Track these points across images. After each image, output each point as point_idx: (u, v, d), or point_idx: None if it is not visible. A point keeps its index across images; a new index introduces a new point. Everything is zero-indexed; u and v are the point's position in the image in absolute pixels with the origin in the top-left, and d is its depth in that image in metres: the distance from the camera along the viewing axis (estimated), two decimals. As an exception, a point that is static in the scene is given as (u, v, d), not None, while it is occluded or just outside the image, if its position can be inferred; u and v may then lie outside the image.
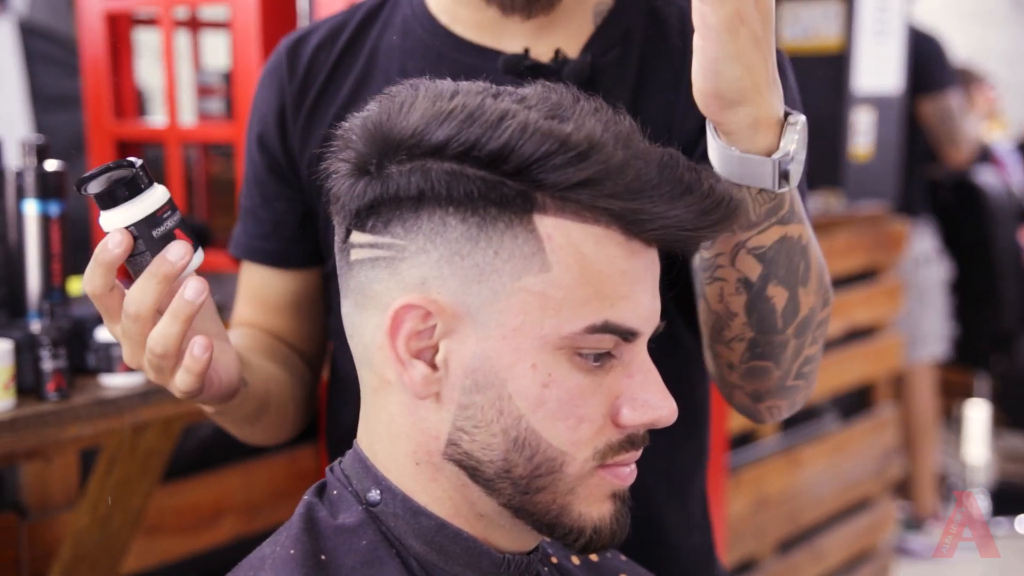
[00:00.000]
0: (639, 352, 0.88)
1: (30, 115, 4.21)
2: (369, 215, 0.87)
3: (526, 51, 1.13)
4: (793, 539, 3.35)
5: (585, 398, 0.86)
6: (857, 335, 3.60)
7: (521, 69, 1.12)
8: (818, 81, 3.61)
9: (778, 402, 1.11)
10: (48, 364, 1.53)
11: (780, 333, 1.03)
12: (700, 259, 1.04)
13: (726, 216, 0.86)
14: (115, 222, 0.93)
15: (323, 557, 0.86)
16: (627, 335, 0.86)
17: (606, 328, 0.85)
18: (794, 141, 0.96)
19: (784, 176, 0.96)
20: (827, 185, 3.54)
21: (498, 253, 0.83)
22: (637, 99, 1.14)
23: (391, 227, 0.85)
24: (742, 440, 3.20)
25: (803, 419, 3.45)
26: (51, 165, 1.67)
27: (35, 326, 1.57)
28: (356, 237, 0.88)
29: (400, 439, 0.88)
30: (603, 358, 0.86)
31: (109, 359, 1.63)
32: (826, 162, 3.56)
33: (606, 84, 1.13)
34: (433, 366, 0.85)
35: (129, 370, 1.63)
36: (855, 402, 3.72)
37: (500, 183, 0.82)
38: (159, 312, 0.93)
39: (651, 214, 0.84)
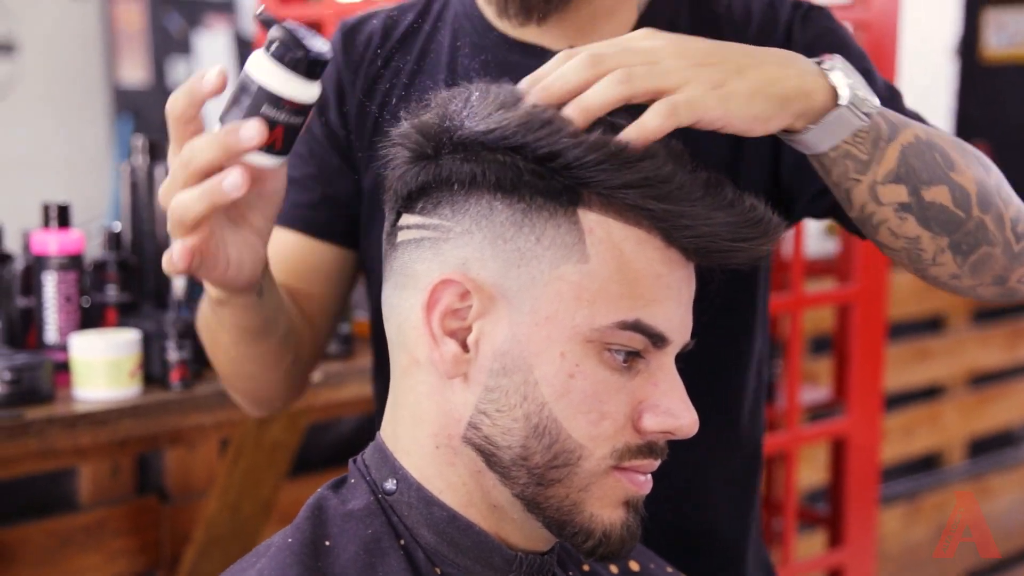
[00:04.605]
0: (666, 361, 0.89)
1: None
2: (419, 197, 0.89)
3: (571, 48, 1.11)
4: (980, 571, 3.19)
5: (609, 395, 0.86)
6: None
7: None
8: (1024, 91, 3.44)
9: (1021, 269, 1.07)
10: (173, 355, 1.60)
11: (968, 220, 1.00)
12: (857, 221, 1.02)
13: (765, 232, 0.87)
14: (254, 68, 0.88)
15: (327, 543, 0.88)
16: (657, 339, 0.87)
17: (637, 327, 0.86)
18: (844, 75, 0.93)
19: (860, 105, 0.93)
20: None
21: (540, 240, 0.86)
22: None
23: (439, 208, 0.88)
24: (924, 465, 3.07)
25: (994, 446, 3.28)
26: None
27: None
28: (405, 219, 0.91)
29: (423, 421, 0.90)
30: (631, 359, 0.87)
31: (236, 352, 1.69)
32: (1031, 176, 3.37)
33: None
34: (464, 347, 0.87)
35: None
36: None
37: (549, 176, 0.85)
38: (210, 174, 0.88)
39: (692, 219, 0.85)
